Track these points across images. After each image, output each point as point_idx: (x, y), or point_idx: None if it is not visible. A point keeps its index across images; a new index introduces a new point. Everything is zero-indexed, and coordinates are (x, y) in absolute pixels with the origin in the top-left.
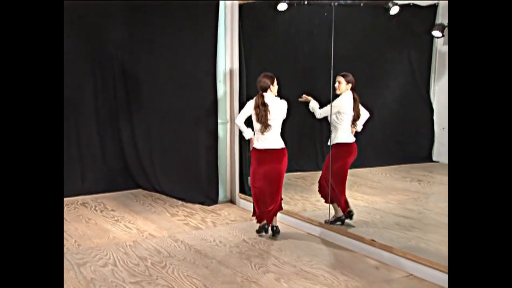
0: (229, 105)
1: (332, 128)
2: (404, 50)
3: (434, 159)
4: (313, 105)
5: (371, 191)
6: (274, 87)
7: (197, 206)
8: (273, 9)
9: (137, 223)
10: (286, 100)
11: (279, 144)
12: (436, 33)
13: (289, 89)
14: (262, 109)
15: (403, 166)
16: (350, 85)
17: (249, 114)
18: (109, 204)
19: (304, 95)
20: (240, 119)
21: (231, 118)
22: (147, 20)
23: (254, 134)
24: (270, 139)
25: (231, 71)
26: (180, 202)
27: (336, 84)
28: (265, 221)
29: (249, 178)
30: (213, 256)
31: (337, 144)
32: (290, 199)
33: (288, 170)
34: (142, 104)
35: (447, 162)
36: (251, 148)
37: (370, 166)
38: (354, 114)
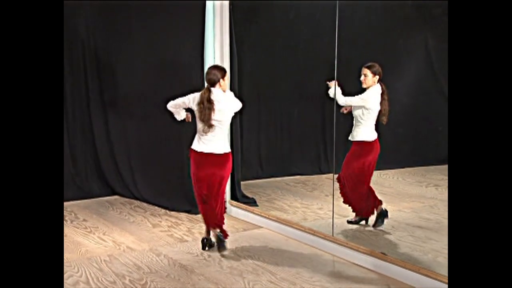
0: None
1: (355, 122)
2: (421, 36)
3: None
4: (335, 90)
5: (382, 198)
6: (225, 82)
7: (182, 215)
8: None
9: (113, 234)
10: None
11: (223, 148)
12: None
13: (287, 79)
14: (206, 106)
15: (418, 169)
16: (377, 77)
17: (188, 107)
18: (80, 213)
19: (331, 82)
20: (172, 103)
21: None
22: (125, 9)
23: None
24: (213, 142)
25: (221, 62)
26: (163, 210)
27: (362, 77)
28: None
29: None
30: (201, 272)
31: (359, 142)
32: (289, 207)
33: (287, 174)
34: (119, 98)
35: None
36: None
37: (380, 169)
38: (381, 109)
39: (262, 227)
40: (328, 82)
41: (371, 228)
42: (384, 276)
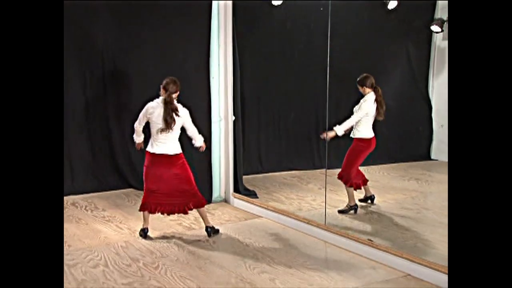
0: (224, 103)
1: (356, 123)
2: (402, 45)
3: (432, 157)
4: (337, 131)
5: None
6: (177, 94)
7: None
8: (268, 5)
9: (128, 223)
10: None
11: (174, 149)
12: (435, 28)
13: (284, 84)
14: (170, 108)
15: (401, 165)
16: (366, 87)
17: (148, 117)
18: (100, 204)
19: (323, 135)
20: (138, 125)
21: (225, 116)
22: (137, 18)
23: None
24: (166, 144)
25: (225, 67)
26: None
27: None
28: (145, 226)
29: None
30: (207, 257)
31: (359, 138)
32: (286, 199)
33: (284, 169)
34: (133, 101)
35: (446, 160)
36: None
37: (368, 165)
38: (378, 111)
39: (261, 216)
40: (322, 136)
41: (359, 218)
42: (370, 260)
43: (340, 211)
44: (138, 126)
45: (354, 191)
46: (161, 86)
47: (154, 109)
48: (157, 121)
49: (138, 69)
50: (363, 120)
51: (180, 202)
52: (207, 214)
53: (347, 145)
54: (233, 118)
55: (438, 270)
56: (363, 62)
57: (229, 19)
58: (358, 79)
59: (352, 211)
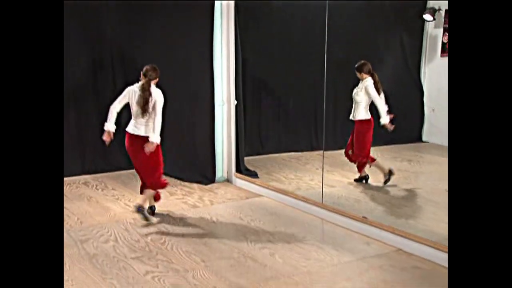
0: (226, 88)
1: (355, 106)
2: (396, 34)
3: (423, 139)
4: (386, 119)
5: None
6: (156, 80)
7: (195, 185)
8: None
9: (136, 201)
10: None
11: (145, 132)
12: (427, 16)
13: (284, 70)
14: (147, 94)
15: (394, 147)
16: (364, 73)
17: (127, 101)
18: (110, 183)
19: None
20: (115, 106)
21: (228, 100)
22: (144, 10)
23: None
24: (141, 126)
25: (227, 54)
26: (178, 181)
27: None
28: (139, 203)
29: None
30: (211, 233)
31: (361, 120)
32: (285, 179)
33: (284, 151)
34: None
35: (436, 142)
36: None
37: None
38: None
39: (262, 195)
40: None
41: (354, 196)
42: (364, 236)
43: (355, 180)
44: (115, 107)
45: (365, 167)
46: (142, 72)
47: (133, 94)
48: (133, 105)
49: (145, 57)
50: (363, 103)
51: (141, 178)
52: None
53: (342, 128)
54: (235, 102)
55: (427, 245)
56: (359, 50)
57: (231, 10)
58: (356, 65)
59: (364, 181)
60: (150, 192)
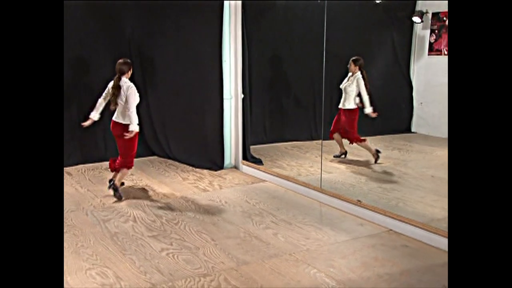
0: (234, 83)
1: (345, 96)
2: (388, 34)
3: (412, 130)
4: (369, 110)
5: (358, 158)
6: (129, 73)
7: (205, 171)
8: None
9: (153, 186)
10: None
11: (122, 120)
12: (416, 19)
13: (286, 66)
14: (115, 87)
15: (386, 137)
16: (357, 66)
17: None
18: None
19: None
20: (101, 98)
21: (235, 94)
22: (159, 11)
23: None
24: (119, 114)
25: (235, 52)
26: (190, 167)
27: (349, 66)
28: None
29: None
30: (219, 215)
31: (349, 109)
32: (287, 165)
33: (286, 140)
34: (156, 81)
35: (424, 133)
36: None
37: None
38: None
39: (266, 181)
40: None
41: (349, 182)
42: (358, 217)
43: (335, 156)
44: (101, 100)
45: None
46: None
47: (109, 87)
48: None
49: (160, 54)
50: (353, 94)
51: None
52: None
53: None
54: (242, 96)
55: (415, 226)
56: (354, 48)
57: (238, 9)
58: (354, 58)
59: (343, 156)
60: (122, 172)
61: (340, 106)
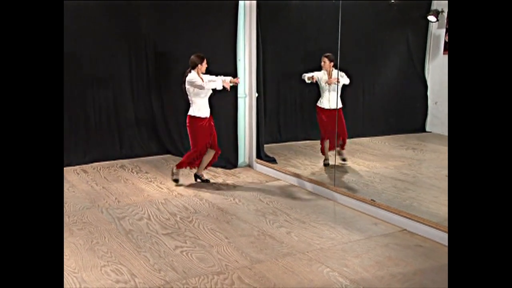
0: (248, 81)
1: (321, 92)
2: (403, 33)
3: (427, 129)
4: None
5: (372, 158)
6: (203, 66)
7: (219, 169)
8: None
9: (167, 183)
10: None
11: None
12: (431, 18)
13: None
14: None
15: (400, 136)
16: (332, 63)
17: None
18: (144, 167)
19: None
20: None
21: (249, 93)
22: (175, 10)
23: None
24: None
25: (249, 51)
26: None
27: (322, 63)
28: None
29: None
30: (233, 213)
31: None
32: (301, 164)
33: (300, 139)
34: (171, 79)
35: (438, 132)
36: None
37: (371, 136)
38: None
39: (280, 179)
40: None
41: (363, 181)
42: (373, 217)
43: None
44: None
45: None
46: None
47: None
48: None
49: (175, 52)
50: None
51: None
52: (233, 177)
53: (352, 118)
54: (256, 94)
55: (429, 225)
56: (369, 47)
57: (253, 9)
58: (328, 54)
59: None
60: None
61: (333, 107)
